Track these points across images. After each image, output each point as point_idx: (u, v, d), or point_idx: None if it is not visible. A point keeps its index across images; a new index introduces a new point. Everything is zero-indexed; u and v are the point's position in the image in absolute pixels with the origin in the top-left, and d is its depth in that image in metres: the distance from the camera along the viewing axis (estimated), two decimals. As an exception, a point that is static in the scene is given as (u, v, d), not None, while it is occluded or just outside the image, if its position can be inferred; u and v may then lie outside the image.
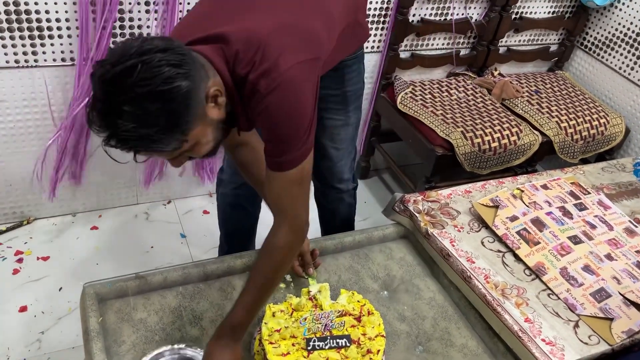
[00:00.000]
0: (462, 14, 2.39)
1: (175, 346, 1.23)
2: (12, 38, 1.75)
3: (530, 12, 2.56)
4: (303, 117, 1.07)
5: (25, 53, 1.79)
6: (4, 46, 1.75)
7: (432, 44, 2.44)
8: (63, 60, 1.85)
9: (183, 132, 0.95)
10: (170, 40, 0.97)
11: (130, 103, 0.88)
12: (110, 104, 0.88)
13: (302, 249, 1.39)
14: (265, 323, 1.20)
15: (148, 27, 1.88)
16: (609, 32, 2.60)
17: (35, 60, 1.82)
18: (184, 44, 1.00)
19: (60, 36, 1.80)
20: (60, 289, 1.93)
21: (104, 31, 1.80)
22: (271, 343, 1.16)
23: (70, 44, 1.83)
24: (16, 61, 1.80)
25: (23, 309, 1.85)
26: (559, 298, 1.42)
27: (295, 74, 1.04)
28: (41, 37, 1.78)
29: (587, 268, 1.50)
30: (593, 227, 1.65)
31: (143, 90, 0.87)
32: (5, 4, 1.68)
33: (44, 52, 1.81)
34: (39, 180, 2.06)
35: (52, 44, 1.81)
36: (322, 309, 1.25)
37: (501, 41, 2.56)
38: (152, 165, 2.22)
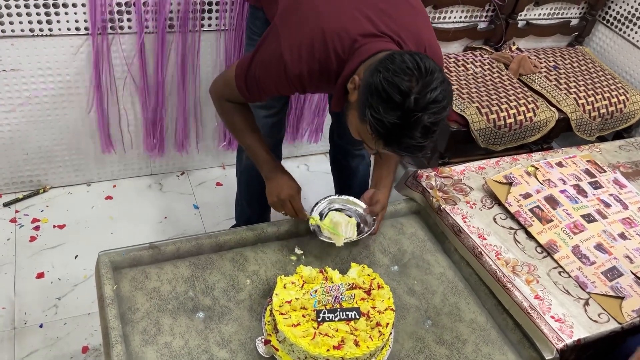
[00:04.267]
0: (481, -14, 2.34)
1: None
2: (26, 7, 1.75)
3: (552, -15, 2.50)
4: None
5: (39, 22, 1.79)
6: (19, 14, 1.75)
7: (449, 17, 2.40)
8: (77, 29, 1.85)
9: None
10: (431, 60, 1.08)
11: (441, 122, 1.08)
12: (432, 126, 1.06)
13: (292, 197, 1.41)
14: (277, 294, 1.21)
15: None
16: (632, 7, 2.53)
17: (50, 29, 1.82)
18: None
19: (74, 5, 1.79)
20: (76, 256, 1.97)
21: None
22: (282, 314, 1.17)
23: (85, 13, 1.82)
24: (31, 30, 1.80)
25: (40, 275, 1.89)
26: (569, 276, 1.42)
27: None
28: (55, 5, 1.78)
29: (599, 247, 1.49)
30: (607, 205, 1.63)
31: (446, 111, 1.07)
32: (20, -29, 1.68)
33: (58, 22, 1.81)
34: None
35: (66, 13, 1.80)
36: (332, 282, 1.26)
37: (520, 14, 2.51)
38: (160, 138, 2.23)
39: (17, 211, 2.10)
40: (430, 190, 1.60)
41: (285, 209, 1.43)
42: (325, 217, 1.45)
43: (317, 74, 1.22)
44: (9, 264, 1.90)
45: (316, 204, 1.49)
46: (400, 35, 1.22)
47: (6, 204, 2.10)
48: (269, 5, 1.44)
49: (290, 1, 1.29)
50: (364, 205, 1.49)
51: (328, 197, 1.51)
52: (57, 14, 1.79)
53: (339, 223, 1.42)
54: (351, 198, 1.51)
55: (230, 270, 1.39)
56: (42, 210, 2.12)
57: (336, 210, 1.48)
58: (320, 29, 1.19)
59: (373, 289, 1.26)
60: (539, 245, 1.50)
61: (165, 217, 2.19)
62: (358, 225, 1.46)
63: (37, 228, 2.05)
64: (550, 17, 2.63)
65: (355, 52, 1.18)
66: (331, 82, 1.23)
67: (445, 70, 2.33)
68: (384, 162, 1.53)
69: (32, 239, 2.01)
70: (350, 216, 1.47)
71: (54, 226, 2.07)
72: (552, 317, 1.31)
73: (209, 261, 1.40)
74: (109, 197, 2.23)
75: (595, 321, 1.32)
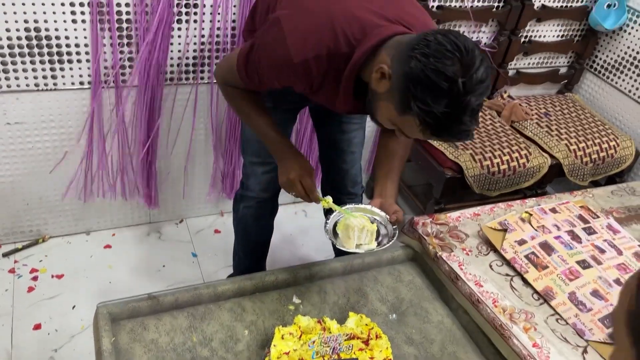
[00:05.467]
0: (472, 38, 2.42)
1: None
2: (32, 62, 1.81)
3: (540, 36, 2.59)
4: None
5: (45, 77, 1.85)
6: (24, 70, 1.81)
7: (442, 67, 2.47)
8: (81, 83, 1.90)
9: None
10: (463, 36, 1.05)
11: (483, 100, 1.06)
12: (478, 107, 1.04)
13: (303, 177, 1.36)
14: (274, 345, 1.21)
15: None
16: (618, 55, 2.62)
17: (55, 84, 1.87)
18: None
19: (79, 60, 1.86)
20: (74, 307, 1.96)
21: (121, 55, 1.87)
22: (280, 365, 1.17)
23: (89, 68, 1.88)
24: (36, 84, 1.85)
25: (37, 326, 1.88)
26: (567, 323, 1.42)
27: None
28: (60, 61, 1.84)
29: (595, 293, 1.50)
30: (602, 251, 1.65)
31: (489, 89, 1.08)
32: (27, 29, 1.74)
33: (62, 76, 1.87)
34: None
35: (71, 68, 1.86)
36: (330, 332, 1.26)
37: (510, 64, 2.59)
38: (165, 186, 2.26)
39: (16, 261, 2.10)
40: (426, 237, 1.62)
41: (296, 189, 1.37)
42: (340, 220, 1.35)
43: (325, 60, 1.16)
44: (7, 315, 1.90)
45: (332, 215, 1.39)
46: (410, 22, 1.19)
47: (5, 254, 2.11)
48: None
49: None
50: (383, 215, 1.40)
51: (345, 206, 1.39)
52: (62, 69, 1.85)
53: (352, 227, 1.33)
54: (376, 209, 1.39)
55: (229, 320, 1.39)
56: (40, 260, 2.12)
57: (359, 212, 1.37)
58: (327, 13, 1.15)
59: (371, 338, 1.26)
60: (536, 292, 1.50)
61: (164, 266, 2.19)
62: (377, 235, 1.36)
63: (35, 278, 2.05)
64: (539, 66, 2.71)
65: (366, 37, 1.13)
66: (340, 71, 1.17)
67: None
68: (387, 172, 1.47)
69: (30, 289, 2.01)
70: (372, 222, 1.37)
71: (52, 276, 2.07)
72: (551, 365, 1.30)
73: (208, 311, 1.40)
74: (107, 246, 2.24)
75: (595, 369, 1.32)
